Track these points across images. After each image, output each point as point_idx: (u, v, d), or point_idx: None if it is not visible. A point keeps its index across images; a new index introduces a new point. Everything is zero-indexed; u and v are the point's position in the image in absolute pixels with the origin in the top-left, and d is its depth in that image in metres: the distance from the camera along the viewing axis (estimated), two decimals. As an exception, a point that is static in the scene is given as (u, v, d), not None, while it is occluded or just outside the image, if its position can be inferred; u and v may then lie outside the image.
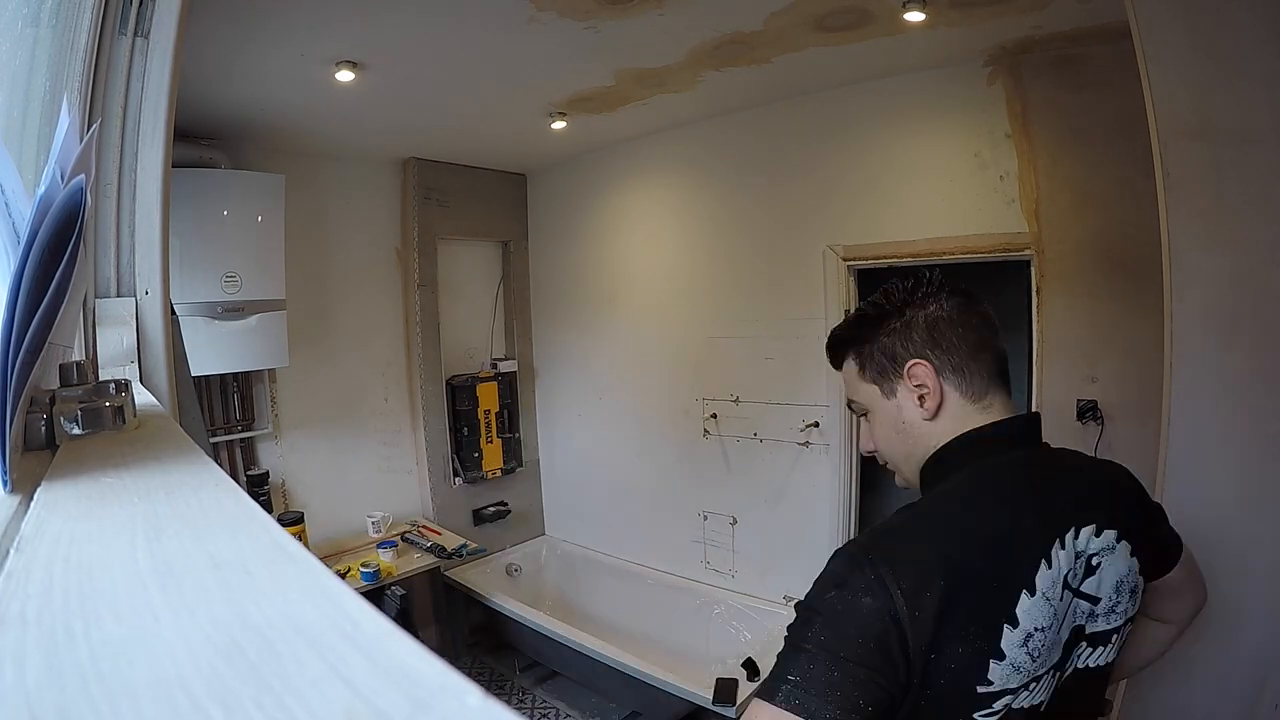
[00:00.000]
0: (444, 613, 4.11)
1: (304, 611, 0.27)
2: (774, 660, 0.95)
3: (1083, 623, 1.07)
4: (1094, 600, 1.07)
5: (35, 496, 0.47)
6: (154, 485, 0.48)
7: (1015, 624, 0.95)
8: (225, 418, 3.88)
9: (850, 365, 1.26)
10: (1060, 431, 3.04)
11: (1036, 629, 0.97)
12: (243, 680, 0.22)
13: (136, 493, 0.46)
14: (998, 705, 0.97)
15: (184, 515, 0.41)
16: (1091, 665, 1.10)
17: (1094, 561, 1.06)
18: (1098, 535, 1.06)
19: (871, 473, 3.61)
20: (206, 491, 0.46)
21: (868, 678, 0.89)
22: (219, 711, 0.20)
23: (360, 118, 3.71)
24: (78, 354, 1.40)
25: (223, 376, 3.83)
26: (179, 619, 0.26)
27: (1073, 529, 1.04)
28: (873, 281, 3.59)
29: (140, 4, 1.54)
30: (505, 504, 5.09)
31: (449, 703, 0.20)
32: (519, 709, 3.83)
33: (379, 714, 0.19)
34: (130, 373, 1.47)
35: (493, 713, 0.19)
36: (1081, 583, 1.05)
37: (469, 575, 4.26)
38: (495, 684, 4.05)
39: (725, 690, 3.06)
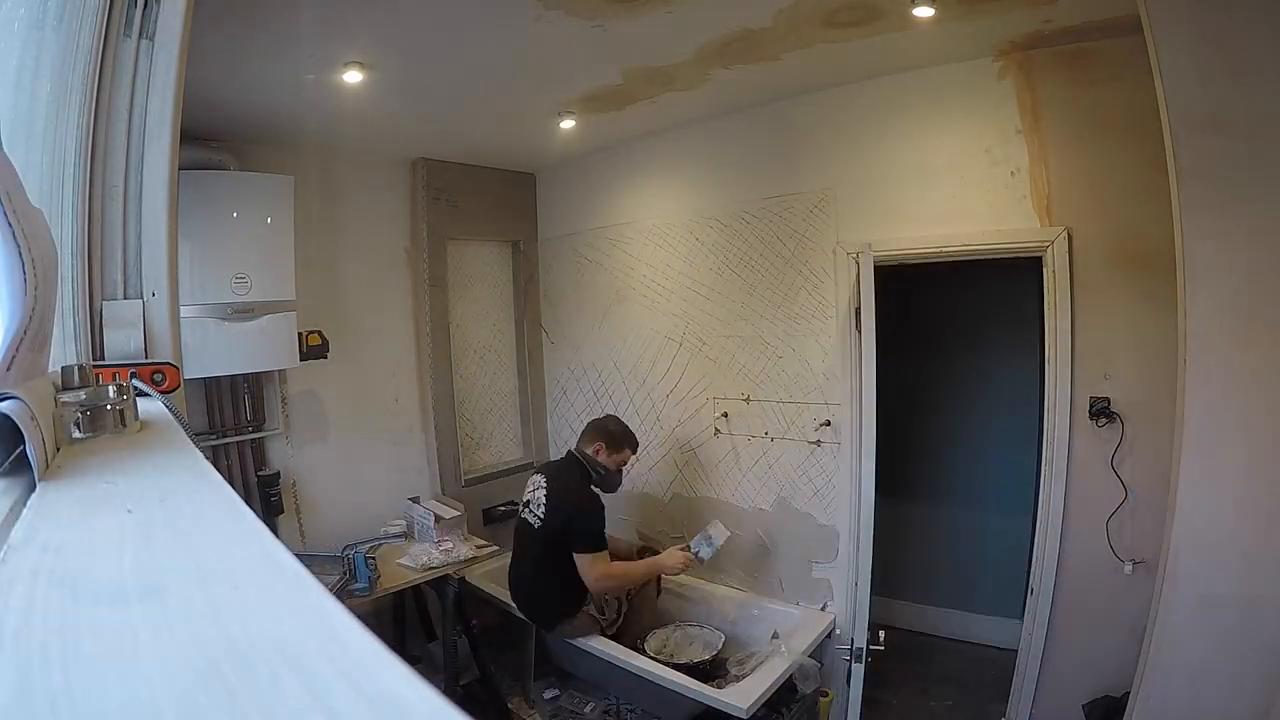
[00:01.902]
0: (454, 613, 4.12)
1: (290, 630, 0.25)
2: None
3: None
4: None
5: (29, 502, 0.46)
6: (149, 491, 0.47)
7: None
8: (235, 418, 3.88)
9: None
10: (1074, 429, 3.02)
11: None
12: (219, 708, 0.20)
13: (131, 499, 0.45)
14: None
15: (176, 523, 0.40)
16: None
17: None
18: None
19: (889, 479, 3.58)
20: (202, 498, 0.45)
21: None
22: (190, 743, 0.19)
23: (368, 118, 3.71)
24: (84, 356, 1.40)
25: (233, 377, 3.83)
26: (159, 638, 0.25)
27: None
28: (888, 279, 3.56)
29: (145, 6, 1.53)
30: (515, 503, 5.07)
31: (437, 735, 0.19)
32: (533, 710, 3.84)
33: (359, 749, 0.18)
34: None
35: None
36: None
37: (479, 576, 4.25)
38: (508, 685, 4.04)
39: None
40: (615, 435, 3.81)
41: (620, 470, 3.84)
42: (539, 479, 3.76)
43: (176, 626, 0.26)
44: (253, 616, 0.27)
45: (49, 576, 0.32)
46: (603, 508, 3.64)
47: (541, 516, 3.59)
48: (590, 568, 3.49)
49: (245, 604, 0.28)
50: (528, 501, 3.73)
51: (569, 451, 3.87)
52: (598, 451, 3.75)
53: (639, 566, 3.77)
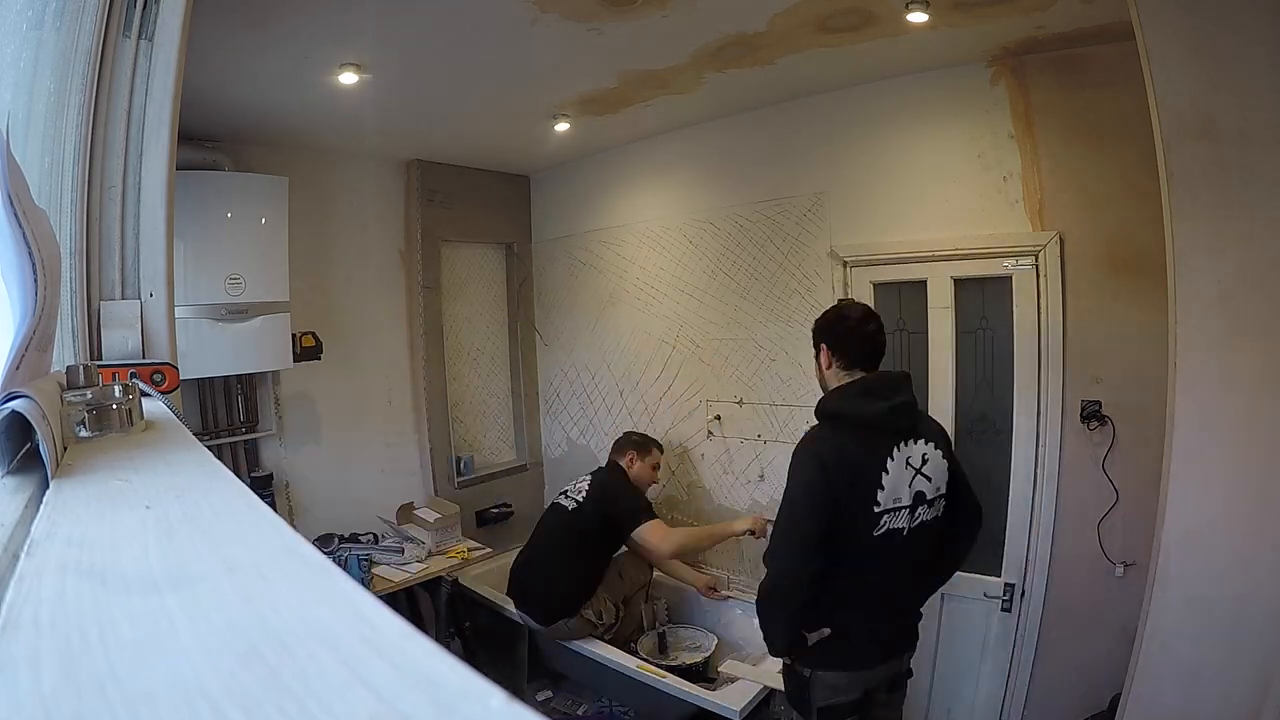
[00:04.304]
0: (446, 615, 4.12)
1: (321, 615, 0.26)
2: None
3: (923, 489, 2.21)
4: (928, 478, 2.22)
5: (45, 499, 0.47)
6: (164, 487, 0.48)
7: (885, 481, 2.15)
8: (229, 419, 3.88)
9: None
10: (1065, 432, 3.04)
11: (892, 485, 2.16)
12: (263, 685, 0.21)
13: (147, 495, 0.46)
14: (882, 523, 2.15)
15: (195, 518, 0.41)
16: (926, 520, 2.23)
17: (925, 457, 2.22)
18: (924, 444, 2.24)
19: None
20: (217, 494, 0.46)
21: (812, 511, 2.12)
22: (241, 716, 0.20)
23: (363, 120, 3.70)
24: (82, 356, 1.41)
25: (226, 378, 3.83)
26: (195, 624, 0.26)
27: (906, 440, 2.21)
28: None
29: (144, 7, 1.54)
30: (509, 505, 5.09)
31: (473, 706, 0.20)
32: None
33: (403, 718, 0.19)
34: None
35: (517, 715, 0.19)
36: (920, 467, 2.21)
37: (472, 578, 4.25)
38: (500, 687, 4.04)
39: None
40: (639, 441, 4.04)
41: (655, 472, 4.04)
42: (583, 477, 3.93)
43: (211, 613, 0.27)
44: (283, 603, 0.28)
45: (76, 568, 0.33)
46: (643, 493, 3.88)
47: (580, 499, 3.74)
48: (657, 533, 3.53)
49: (275, 592, 0.29)
50: (565, 491, 3.89)
51: (610, 461, 4.05)
52: (631, 461, 3.94)
53: (706, 530, 3.80)
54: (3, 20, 1.41)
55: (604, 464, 4.05)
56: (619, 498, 3.70)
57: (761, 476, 4.08)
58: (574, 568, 3.61)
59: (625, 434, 4.18)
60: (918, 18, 2.71)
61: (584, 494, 3.74)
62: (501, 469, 5.22)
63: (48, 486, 0.51)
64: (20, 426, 0.56)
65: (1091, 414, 2.96)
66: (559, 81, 3.46)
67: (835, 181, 3.67)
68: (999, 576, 3.24)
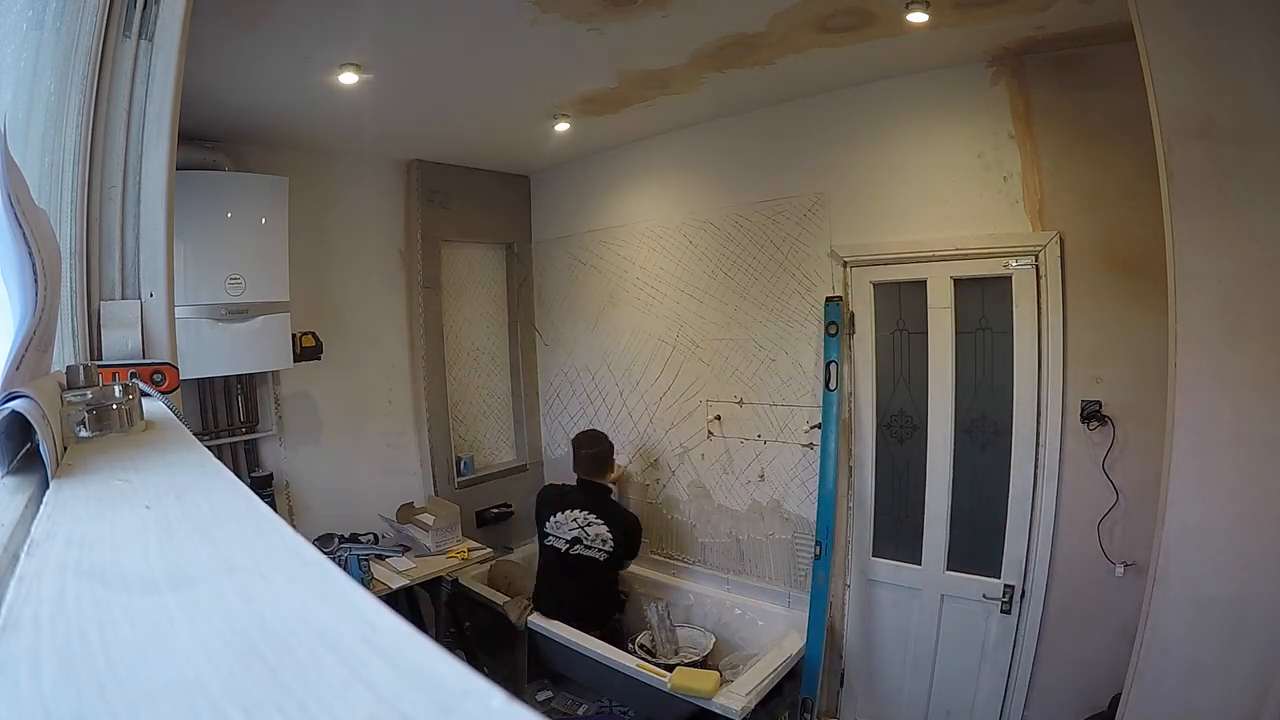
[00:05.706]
0: (446, 615, 4.12)
1: (322, 615, 0.26)
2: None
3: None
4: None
5: (45, 499, 0.47)
6: (164, 488, 0.48)
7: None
8: (229, 419, 3.88)
9: None
10: (1065, 432, 3.04)
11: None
12: (263, 685, 0.21)
13: (147, 495, 0.46)
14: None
15: (196, 518, 0.41)
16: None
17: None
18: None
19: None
20: (218, 494, 0.46)
21: None
22: (240, 716, 0.20)
23: (363, 120, 3.71)
24: (82, 356, 1.41)
25: (226, 378, 3.83)
26: (195, 623, 0.26)
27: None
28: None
29: (144, 7, 1.54)
30: (509, 505, 5.08)
31: (473, 705, 0.20)
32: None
33: (403, 718, 0.19)
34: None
35: (516, 715, 0.19)
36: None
37: (472, 578, 4.25)
38: (500, 687, 4.03)
39: None
40: (610, 450, 4.36)
41: None
42: (584, 515, 4.02)
43: (211, 613, 0.27)
44: (283, 602, 0.28)
45: (76, 569, 0.33)
46: None
47: (609, 550, 3.92)
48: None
49: (275, 591, 0.29)
50: (577, 538, 3.96)
51: (585, 480, 4.20)
52: (614, 479, 4.35)
53: None
54: (3, 20, 1.41)
55: (586, 485, 4.19)
56: (637, 538, 4.10)
57: (762, 476, 4.07)
58: (609, 593, 4.07)
59: (597, 438, 4.34)
60: (918, 18, 2.71)
61: (611, 543, 3.91)
62: (501, 469, 5.23)
63: (48, 486, 0.51)
64: (20, 426, 0.56)
65: (1091, 414, 2.96)
66: (559, 81, 3.45)
67: (835, 181, 3.67)
68: (999, 577, 3.24)
